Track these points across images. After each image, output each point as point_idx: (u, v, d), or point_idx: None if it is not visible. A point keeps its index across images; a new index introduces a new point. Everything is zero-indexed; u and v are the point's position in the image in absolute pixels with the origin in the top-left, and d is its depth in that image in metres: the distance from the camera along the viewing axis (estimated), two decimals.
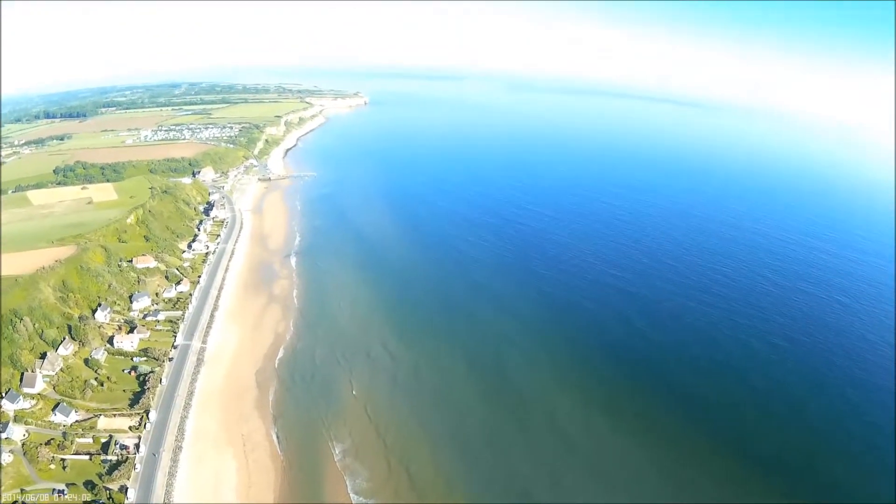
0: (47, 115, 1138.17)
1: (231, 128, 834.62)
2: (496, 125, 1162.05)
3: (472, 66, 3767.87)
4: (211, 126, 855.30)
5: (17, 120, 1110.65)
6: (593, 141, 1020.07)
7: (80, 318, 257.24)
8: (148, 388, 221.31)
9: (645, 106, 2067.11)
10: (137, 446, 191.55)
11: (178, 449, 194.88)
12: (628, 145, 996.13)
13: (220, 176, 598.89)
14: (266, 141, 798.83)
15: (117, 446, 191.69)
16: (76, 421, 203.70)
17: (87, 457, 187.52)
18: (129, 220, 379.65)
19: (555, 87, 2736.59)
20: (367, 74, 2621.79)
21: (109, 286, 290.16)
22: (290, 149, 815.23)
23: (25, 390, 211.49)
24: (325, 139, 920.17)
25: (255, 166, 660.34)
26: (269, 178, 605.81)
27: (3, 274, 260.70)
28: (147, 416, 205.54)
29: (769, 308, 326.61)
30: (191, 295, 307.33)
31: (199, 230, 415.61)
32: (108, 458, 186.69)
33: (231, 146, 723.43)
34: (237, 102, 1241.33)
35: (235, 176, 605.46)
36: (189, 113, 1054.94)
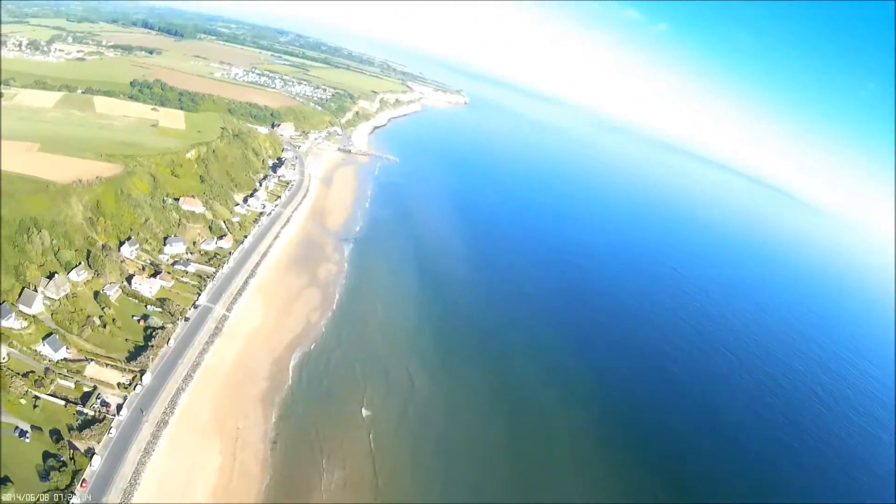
0: (145, 25, 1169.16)
1: (324, 90, 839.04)
2: (586, 163, 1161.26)
3: (565, 93, 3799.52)
4: (304, 83, 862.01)
5: (114, 21, 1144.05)
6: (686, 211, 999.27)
7: (103, 246, 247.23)
8: (152, 346, 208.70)
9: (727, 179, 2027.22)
10: (120, 408, 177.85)
11: (162, 424, 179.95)
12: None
13: (300, 135, 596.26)
14: (356, 113, 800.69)
15: (98, 401, 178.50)
16: (64, 359, 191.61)
17: (62, 402, 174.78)
18: (188, 155, 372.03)
19: (641, 135, 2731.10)
20: (473, 76, 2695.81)
21: (146, 220, 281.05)
22: (379, 127, 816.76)
23: (21, 308, 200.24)
24: (416, 128, 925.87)
25: (339, 135, 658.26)
26: (349, 151, 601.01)
27: (35, 175, 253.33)
28: (141, 377, 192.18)
29: None
30: (230, 254, 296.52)
31: (259, 185, 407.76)
32: (85, 411, 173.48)
33: (319, 108, 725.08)
34: (338, 67, 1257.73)
35: (315, 139, 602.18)
36: (287, 63, 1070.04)
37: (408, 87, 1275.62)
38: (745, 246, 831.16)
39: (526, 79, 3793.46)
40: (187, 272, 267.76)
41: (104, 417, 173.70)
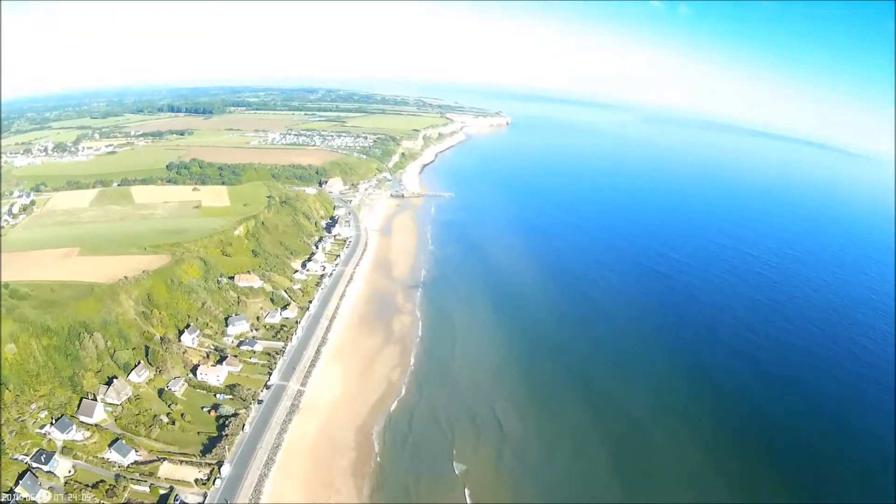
0: (171, 109, 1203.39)
1: (365, 138, 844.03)
2: (637, 159, 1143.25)
3: (601, 94, 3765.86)
4: (344, 134, 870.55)
5: (139, 111, 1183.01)
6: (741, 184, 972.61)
7: (161, 339, 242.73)
8: (227, 435, 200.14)
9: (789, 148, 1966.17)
10: None
11: None
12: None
13: (349, 188, 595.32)
14: (402, 155, 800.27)
15: (177, 502, 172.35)
16: (134, 462, 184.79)
17: None
18: (237, 232, 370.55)
19: (682, 120, 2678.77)
20: (509, 96, 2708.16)
21: (203, 305, 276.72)
22: (427, 164, 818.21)
23: (81, 419, 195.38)
24: (463, 158, 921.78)
25: (389, 181, 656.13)
26: (402, 195, 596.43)
27: (79, 280, 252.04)
28: (219, 469, 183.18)
29: None
30: (297, 323, 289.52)
31: (316, 248, 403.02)
32: None
33: (364, 157, 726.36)
34: (374, 113, 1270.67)
35: (366, 190, 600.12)
36: (322, 119, 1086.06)
37: (448, 119, 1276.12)
38: (801, 207, 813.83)
39: (562, 88, 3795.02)
40: (255, 351, 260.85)
41: None
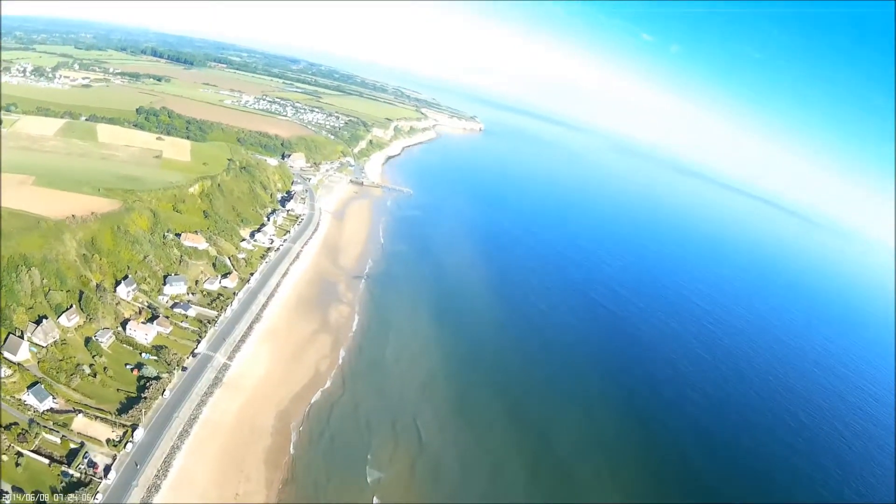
0: (154, 53, 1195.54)
1: (337, 118, 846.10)
2: (605, 189, 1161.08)
3: (581, 117, 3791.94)
4: (317, 110, 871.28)
5: (122, 49, 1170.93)
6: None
7: (97, 286, 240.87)
8: (146, 397, 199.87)
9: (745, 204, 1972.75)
10: (108, 470, 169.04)
11: (153, 489, 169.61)
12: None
13: (311, 167, 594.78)
14: (370, 142, 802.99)
15: (85, 461, 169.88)
16: (50, 409, 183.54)
17: (46, 460, 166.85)
18: (192, 190, 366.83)
19: (658, 159, 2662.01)
20: (486, 102, 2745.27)
21: (144, 258, 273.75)
22: (393, 157, 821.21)
23: (5, 355, 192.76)
24: (431, 156, 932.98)
25: (351, 166, 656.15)
26: (362, 183, 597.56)
27: (30, 210, 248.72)
28: (133, 432, 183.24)
29: None
30: (235, 294, 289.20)
31: (268, 220, 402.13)
32: (70, 472, 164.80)
33: (332, 137, 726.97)
34: (351, 94, 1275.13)
35: (327, 171, 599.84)
36: (299, 91, 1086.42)
37: (422, 114, 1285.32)
38: (767, 273, 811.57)
39: (542, 104, 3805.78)
40: (187, 316, 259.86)
41: (91, 480, 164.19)
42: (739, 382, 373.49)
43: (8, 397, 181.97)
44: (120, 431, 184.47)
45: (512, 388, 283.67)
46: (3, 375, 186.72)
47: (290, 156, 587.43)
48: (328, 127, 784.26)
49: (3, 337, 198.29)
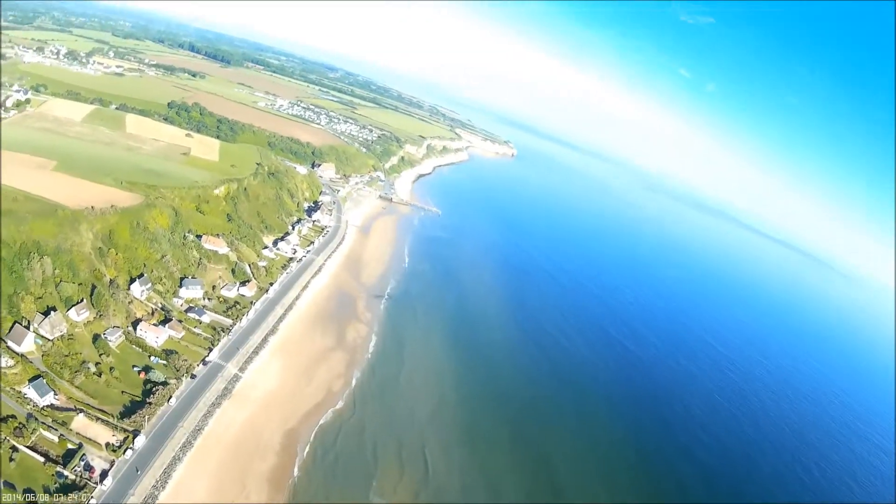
0: (192, 48, 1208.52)
1: (370, 131, 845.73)
2: (635, 224, 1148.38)
3: (614, 149, 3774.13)
4: (351, 121, 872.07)
5: (160, 41, 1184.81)
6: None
7: (111, 282, 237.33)
8: (151, 403, 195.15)
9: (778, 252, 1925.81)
10: (104, 475, 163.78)
11: (150, 500, 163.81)
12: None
13: (341, 178, 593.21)
14: (402, 158, 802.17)
15: (82, 463, 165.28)
16: (50, 405, 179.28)
17: (42, 458, 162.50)
18: (217, 191, 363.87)
19: (692, 199, 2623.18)
20: (520, 126, 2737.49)
21: (162, 257, 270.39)
22: (423, 175, 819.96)
23: (9, 344, 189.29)
24: (461, 177, 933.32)
25: (381, 181, 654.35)
26: (391, 200, 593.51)
27: (44, 195, 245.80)
28: (134, 438, 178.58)
29: None
30: (252, 303, 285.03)
31: (292, 229, 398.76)
32: (66, 473, 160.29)
33: (363, 150, 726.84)
34: (387, 108, 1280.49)
35: (356, 184, 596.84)
36: (334, 100, 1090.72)
37: (456, 134, 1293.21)
38: (790, 320, 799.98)
39: (575, 133, 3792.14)
40: (201, 322, 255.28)
41: (85, 484, 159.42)
42: (753, 430, 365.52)
43: (8, 388, 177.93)
44: (121, 436, 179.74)
45: (522, 420, 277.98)
46: (4, 365, 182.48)
47: (320, 165, 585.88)
48: (361, 139, 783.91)
49: (9, 326, 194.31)
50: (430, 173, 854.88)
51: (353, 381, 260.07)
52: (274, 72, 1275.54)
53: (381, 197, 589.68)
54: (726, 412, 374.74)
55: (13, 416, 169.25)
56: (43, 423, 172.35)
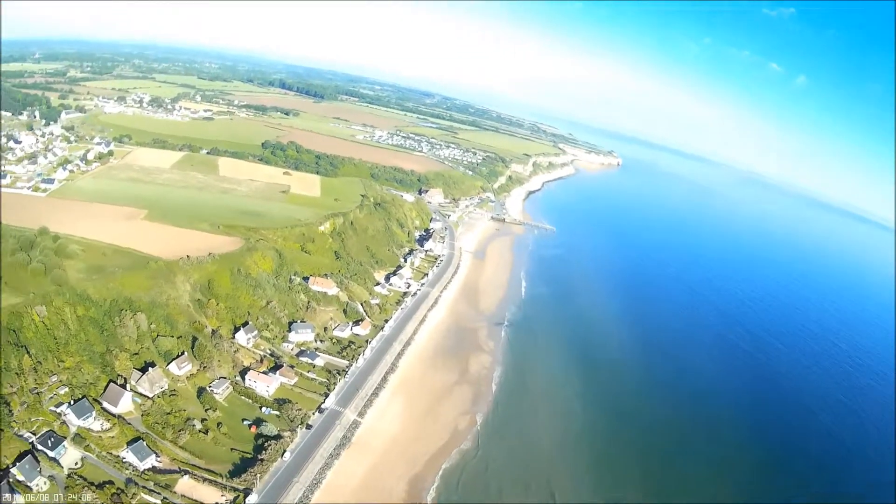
0: (282, 85, 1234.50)
1: (474, 153, 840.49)
2: (749, 225, 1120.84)
3: (713, 151, 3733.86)
4: (453, 146, 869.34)
5: (249, 80, 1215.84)
6: None
7: (213, 332, 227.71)
8: (263, 459, 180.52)
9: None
10: None
11: None
12: None
13: (450, 202, 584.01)
14: (509, 177, 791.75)
15: None
16: (151, 468, 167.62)
17: None
18: (322, 228, 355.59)
19: (794, 194, 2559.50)
20: (621, 138, 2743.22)
21: (267, 304, 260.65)
22: (533, 192, 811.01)
23: (104, 405, 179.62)
24: (570, 192, 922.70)
25: (492, 202, 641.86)
26: (503, 220, 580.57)
27: (137, 248, 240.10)
28: (244, 498, 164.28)
29: None
30: (367, 342, 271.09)
31: (404, 262, 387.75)
32: None
33: (469, 173, 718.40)
34: (487, 129, 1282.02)
35: (466, 207, 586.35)
36: (434, 126, 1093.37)
37: (559, 149, 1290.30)
38: None
39: (674, 139, 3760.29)
40: (314, 366, 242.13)
41: None
42: None
43: (104, 453, 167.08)
44: (230, 496, 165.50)
45: (648, 443, 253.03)
46: (99, 429, 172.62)
47: (427, 191, 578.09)
48: (465, 162, 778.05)
49: (104, 385, 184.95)
50: (539, 189, 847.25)
51: (481, 417, 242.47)
52: (370, 102, 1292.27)
53: (493, 218, 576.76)
54: (871, 428, 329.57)
55: (110, 482, 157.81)
56: (143, 487, 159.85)
